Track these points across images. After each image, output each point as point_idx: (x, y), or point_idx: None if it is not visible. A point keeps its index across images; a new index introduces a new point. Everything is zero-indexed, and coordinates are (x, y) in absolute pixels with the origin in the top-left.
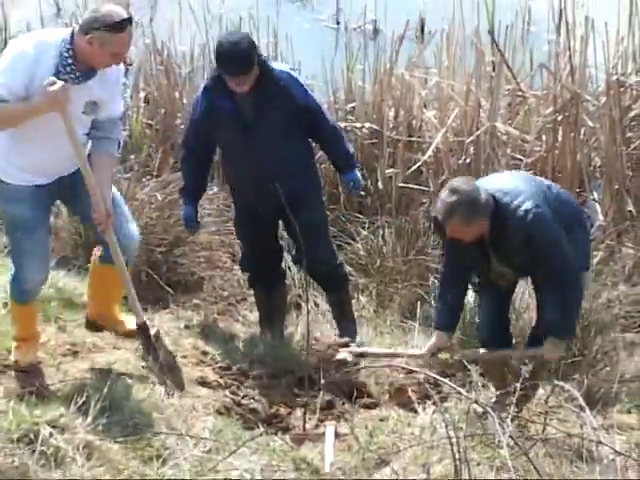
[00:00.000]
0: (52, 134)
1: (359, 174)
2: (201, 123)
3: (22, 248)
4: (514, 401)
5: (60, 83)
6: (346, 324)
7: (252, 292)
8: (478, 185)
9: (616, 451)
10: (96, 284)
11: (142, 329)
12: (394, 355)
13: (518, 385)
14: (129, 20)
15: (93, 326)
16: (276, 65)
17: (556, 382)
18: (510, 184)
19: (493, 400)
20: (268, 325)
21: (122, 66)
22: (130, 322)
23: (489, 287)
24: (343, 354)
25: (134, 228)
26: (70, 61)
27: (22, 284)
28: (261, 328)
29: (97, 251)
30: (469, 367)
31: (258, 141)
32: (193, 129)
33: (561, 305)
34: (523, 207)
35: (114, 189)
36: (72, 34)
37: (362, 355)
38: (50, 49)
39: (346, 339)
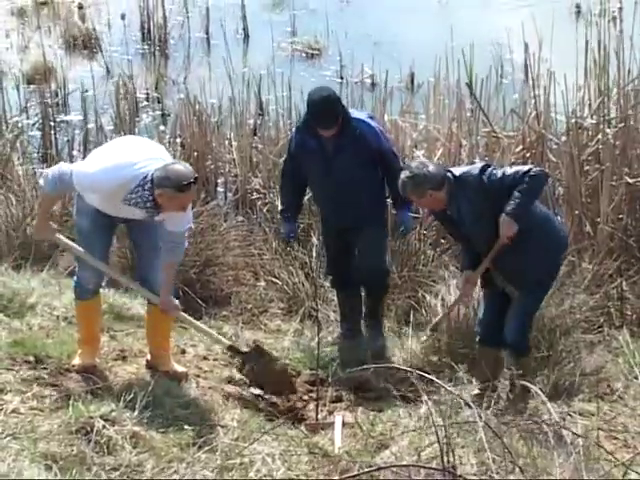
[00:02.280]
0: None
1: (411, 216)
2: (294, 156)
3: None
4: (496, 395)
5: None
6: (374, 323)
7: (278, 304)
8: (429, 163)
9: (575, 433)
10: (146, 324)
11: (232, 350)
12: (451, 308)
13: (505, 383)
14: (195, 181)
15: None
16: (356, 114)
17: (522, 382)
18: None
19: (475, 392)
20: (346, 320)
21: None
22: (177, 366)
23: (492, 291)
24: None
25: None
26: (150, 198)
27: (81, 281)
28: (341, 323)
29: None
30: (455, 366)
31: (337, 173)
32: (289, 160)
33: (520, 195)
34: (473, 170)
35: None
36: (152, 178)
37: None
38: (137, 180)
39: None
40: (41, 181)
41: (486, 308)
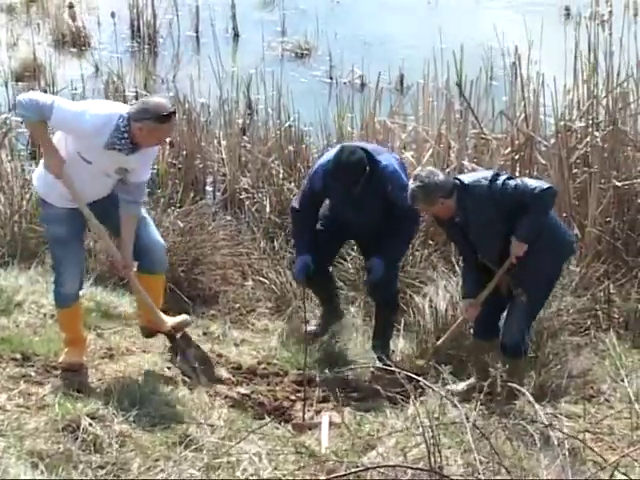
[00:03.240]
0: (88, 176)
1: (383, 266)
2: (317, 195)
3: (60, 259)
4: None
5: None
6: (380, 344)
7: (266, 304)
8: (438, 171)
9: (564, 433)
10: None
11: (169, 336)
12: (451, 334)
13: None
14: (174, 112)
15: (148, 332)
16: (383, 159)
17: (509, 384)
18: (479, 172)
19: (461, 387)
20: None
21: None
22: (172, 320)
23: (472, 257)
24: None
25: (159, 238)
26: (126, 136)
27: (61, 288)
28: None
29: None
30: (440, 368)
31: (362, 212)
32: (310, 197)
33: (530, 218)
34: (481, 181)
35: (145, 214)
36: (129, 115)
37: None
38: (113, 120)
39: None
40: (18, 109)
41: (464, 274)
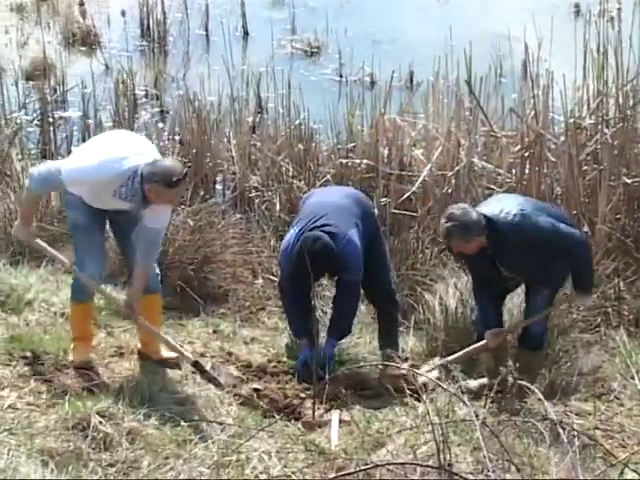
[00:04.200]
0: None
1: (334, 352)
2: (293, 276)
3: (81, 245)
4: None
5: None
6: (387, 337)
7: (276, 302)
8: (470, 209)
9: (575, 430)
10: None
11: (197, 366)
12: (466, 354)
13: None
14: (184, 178)
15: (142, 356)
16: (347, 246)
17: (519, 381)
18: (498, 203)
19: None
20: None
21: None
22: (165, 352)
23: (488, 287)
24: (432, 374)
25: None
26: (140, 192)
27: (82, 273)
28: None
29: None
30: (450, 366)
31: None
32: (289, 278)
33: (579, 267)
34: (510, 213)
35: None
36: (142, 173)
37: (442, 365)
38: (127, 174)
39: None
40: (27, 181)
41: (484, 306)
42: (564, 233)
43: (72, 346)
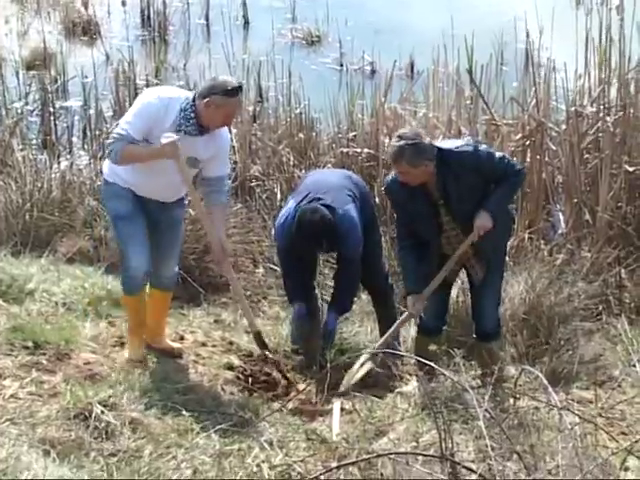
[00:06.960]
0: (161, 172)
1: (336, 326)
2: (289, 251)
3: (124, 238)
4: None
5: (173, 137)
6: (386, 321)
7: (277, 291)
8: (424, 133)
9: (579, 416)
10: (147, 307)
11: (257, 336)
12: (395, 331)
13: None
14: (240, 88)
15: (147, 345)
16: (344, 218)
17: (523, 366)
18: (450, 141)
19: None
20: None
21: (228, 134)
22: (171, 343)
23: (416, 247)
24: (366, 367)
25: (174, 267)
26: (192, 115)
27: (130, 271)
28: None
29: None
30: (452, 352)
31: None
32: (284, 253)
33: (504, 193)
34: (462, 146)
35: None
36: (194, 96)
37: (375, 354)
38: (175, 104)
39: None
40: (110, 157)
41: (407, 264)
42: (512, 162)
43: (129, 341)
